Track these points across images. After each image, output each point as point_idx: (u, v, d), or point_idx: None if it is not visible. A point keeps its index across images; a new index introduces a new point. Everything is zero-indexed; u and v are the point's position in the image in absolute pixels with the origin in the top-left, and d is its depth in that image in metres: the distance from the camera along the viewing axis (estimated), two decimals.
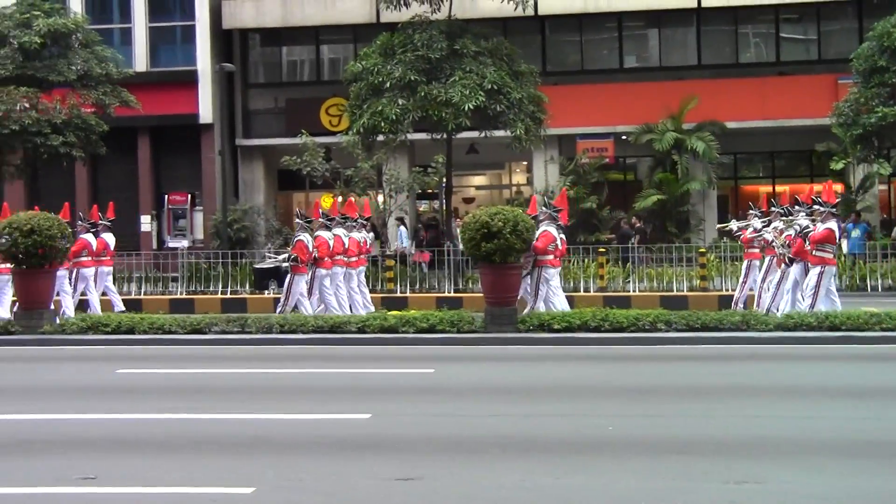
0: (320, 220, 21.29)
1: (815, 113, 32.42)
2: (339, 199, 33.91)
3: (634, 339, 16.91)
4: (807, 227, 18.68)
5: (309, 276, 20.55)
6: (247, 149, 37.80)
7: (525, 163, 38.07)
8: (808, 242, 18.42)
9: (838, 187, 30.01)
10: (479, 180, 40.58)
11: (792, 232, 19.04)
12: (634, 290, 25.13)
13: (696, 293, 24.03)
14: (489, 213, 17.79)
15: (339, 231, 21.17)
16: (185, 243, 34.49)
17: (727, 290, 24.38)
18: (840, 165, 33.29)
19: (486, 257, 17.67)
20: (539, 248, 19.03)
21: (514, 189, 39.78)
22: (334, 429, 10.57)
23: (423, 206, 39.77)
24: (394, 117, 26.59)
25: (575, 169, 35.29)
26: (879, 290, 25.65)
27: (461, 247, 22.17)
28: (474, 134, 29.30)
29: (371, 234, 24.77)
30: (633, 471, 8.66)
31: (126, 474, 8.82)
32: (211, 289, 26.83)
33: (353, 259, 21.49)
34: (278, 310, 20.42)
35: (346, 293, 21.19)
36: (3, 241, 18.57)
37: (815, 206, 18.83)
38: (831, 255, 18.45)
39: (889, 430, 10.02)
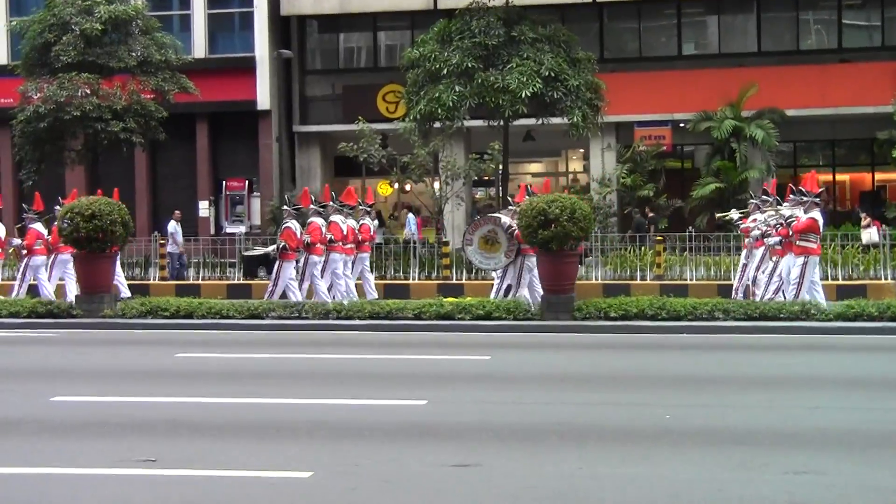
0: (312, 206, 21.47)
1: (876, 101, 32.03)
2: (396, 185, 34.06)
3: (692, 328, 16.83)
4: (791, 216, 18.69)
5: (302, 263, 20.85)
6: (304, 135, 37.92)
7: (582, 150, 37.89)
8: (791, 232, 18.52)
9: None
10: (535, 167, 40.44)
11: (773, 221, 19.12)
12: (692, 279, 24.96)
13: None
14: (546, 199, 17.76)
15: (337, 218, 21.38)
16: (242, 229, 34.66)
17: None
18: None
19: (542, 244, 17.64)
20: (521, 237, 19.22)
21: (571, 176, 39.63)
22: (391, 415, 10.61)
23: (480, 193, 39.71)
24: (450, 104, 26.55)
25: (632, 156, 35.06)
26: None
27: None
28: (531, 121, 29.19)
29: (375, 222, 24.96)
30: (691, 461, 8.62)
31: (185, 457, 8.91)
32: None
33: (350, 246, 21.65)
34: (265, 296, 20.64)
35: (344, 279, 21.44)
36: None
37: (793, 197, 18.89)
38: (815, 245, 18.45)
39: None
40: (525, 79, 26.12)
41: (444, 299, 19.53)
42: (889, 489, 7.77)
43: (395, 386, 12.24)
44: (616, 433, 9.63)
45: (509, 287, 20.16)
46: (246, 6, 36.88)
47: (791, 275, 18.48)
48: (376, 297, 21.84)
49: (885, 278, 23.76)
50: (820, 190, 19.51)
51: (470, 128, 31.13)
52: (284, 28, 37.74)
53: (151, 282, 26.05)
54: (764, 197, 20.81)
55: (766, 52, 35.80)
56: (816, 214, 18.52)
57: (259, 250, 22.89)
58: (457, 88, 26.61)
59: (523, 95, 26.06)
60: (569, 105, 27.14)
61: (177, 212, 30.63)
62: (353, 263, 22.04)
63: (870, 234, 27.52)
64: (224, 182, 36.93)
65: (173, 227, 28.79)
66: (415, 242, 27.99)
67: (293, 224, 20.85)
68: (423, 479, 8.21)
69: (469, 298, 19.56)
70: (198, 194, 36.60)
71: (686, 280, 24.88)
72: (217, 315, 18.50)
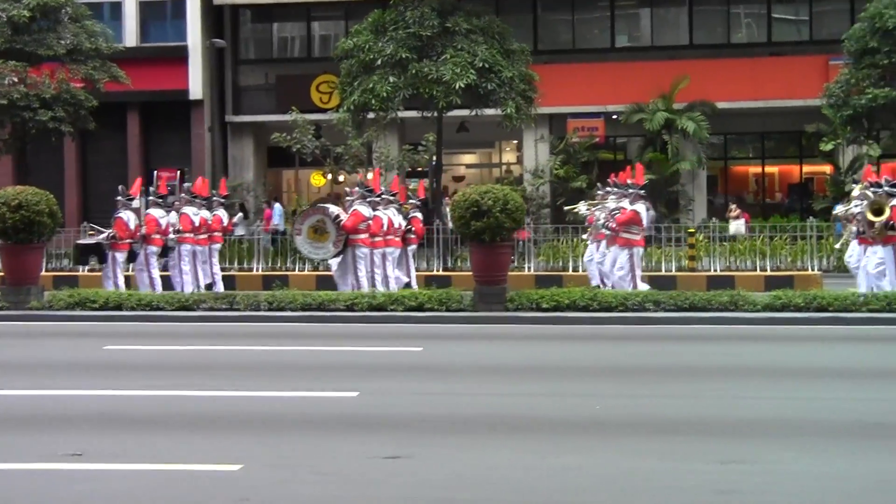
0: (151, 197, 21.55)
1: (805, 94, 32.44)
2: (329, 176, 33.92)
3: (623, 319, 16.93)
4: (615, 209, 19.07)
5: (143, 254, 21.10)
6: (237, 125, 37.70)
7: (515, 141, 38.03)
8: (615, 224, 19.23)
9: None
10: (469, 159, 40.52)
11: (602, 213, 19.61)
12: None
13: (685, 273, 24.01)
14: (479, 191, 17.79)
15: (189, 209, 21.60)
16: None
17: (716, 270, 24.40)
18: (830, 146, 33.33)
19: (475, 236, 17.67)
20: (348, 226, 19.72)
21: (504, 168, 39.74)
22: (322, 407, 10.58)
23: (413, 184, 39.66)
24: (384, 95, 26.54)
25: (565, 148, 35.27)
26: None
27: (451, 225, 22.22)
28: (465, 112, 29.24)
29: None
30: (621, 450, 8.67)
31: (113, 451, 8.80)
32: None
33: (203, 237, 21.86)
34: (105, 284, 20.80)
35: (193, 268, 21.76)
36: None
37: (618, 189, 19.38)
38: (638, 237, 18.96)
39: (877, 411, 10.04)
40: (459, 70, 26.16)
41: (377, 290, 19.49)
42: (813, 475, 7.87)
43: (326, 378, 12.19)
44: (547, 424, 9.66)
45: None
46: None
47: (616, 266, 19.19)
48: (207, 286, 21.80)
49: (812, 269, 24.08)
50: (644, 182, 19.84)
51: (404, 119, 31.10)
52: (217, 17, 37.48)
53: (81, 273, 25.69)
54: (608, 189, 21.10)
55: (698, 45, 36.15)
56: (640, 206, 19.05)
57: (91, 239, 22.81)
58: (391, 79, 26.59)
59: (457, 87, 26.10)
60: (502, 96, 27.23)
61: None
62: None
63: (737, 226, 27.96)
64: (155, 172, 36.53)
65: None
66: (282, 233, 27.82)
67: (125, 214, 21.01)
68: (354, 471, 8.18)
69: (403, 290, 19.52)
70: (129, 184, 36.17)
71: None
72: (147, 307, 18.31)
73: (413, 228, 22.33)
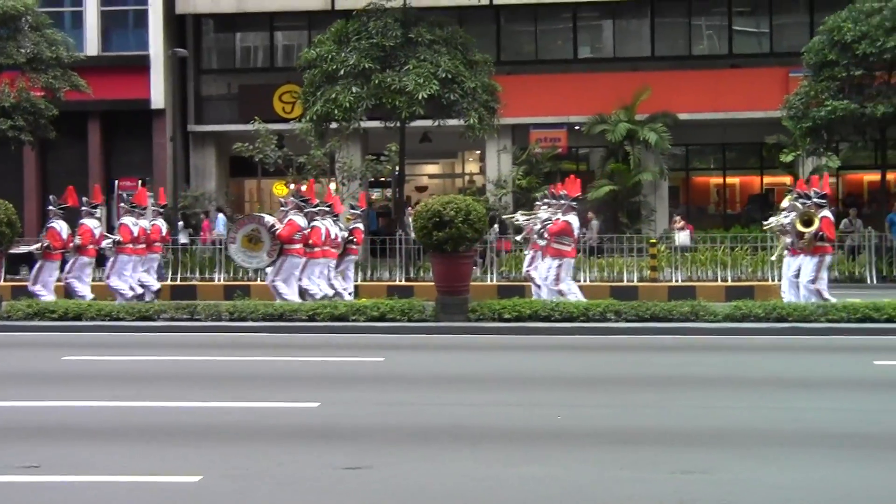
0: (84, 207, 21.69)
1: (766, 105, 32.63)
2: (291, 186, 33.80)
3: (584, 329, 16.97)
4: (547, 219, 19.27)
5: (71, 263, 21.15)
6: (199, 135, 37.55)
7: (478, 152, 38.07)
8: (547, 234, 19.44)
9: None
10: (432, 169, 40.56)
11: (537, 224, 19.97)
12: (585, 280, 25.18)
13: (647, 283, 24.13)
14: (441, 201, 17.79)
15: (128, 220, 21.64)
16: None
17: (677, 280, 24.51)
18: (790, 158, 33.53)
19: (437, 246, 17.66)
20: (283, 236, 19.86)
21: (467, 178, 39.77)
22: (283, 417, 10.53)
23: (376, 194, 39.71)
24: (347, 105, 26.48)
25: (528, 158, 35.33)
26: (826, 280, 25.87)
27: (413, 235, 22.22)
28: (428, 122, 29.22)
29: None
30: (583, 460, 8.68)
31: (71, 462, 8.72)
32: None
33: (141, 246, 21.81)
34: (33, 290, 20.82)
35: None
36: None
37: (553, 200, 19.84)
38: (569, 248, 19.13)
39: (835, 420, 10.11)
40: (422, 80, 26.13)
41: (339, 301, 19.45)
42: (775, 485, 7.90)
43: (287, 388, 12.14)
44: (509, 434, 9.65)
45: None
46: (140, 4, 36.42)
47: (547, 278, 19.32)
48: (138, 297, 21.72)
49: (773, 279, 24.21)
50: (578, 195, 20.09)
51: (367, 129, 31.05)
52: (180, 26, 37.34)
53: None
54: (546, 199, 21.21)
55: (660, 57, 36.32)
56: (571, 218, 19.24)
57: (23, 248, 22.74)
58: (354, 89, 26.54)
59: (420, 97, 26.07)
60: (465, 107, 27.22)
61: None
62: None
63: (683, 237, 28.15)
64: (116, 182, 36.36)
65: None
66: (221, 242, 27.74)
67: (58, 224, 21.03)
68: (315, 482, 8.15)
69: (364, 300, 19.50)
70: (90, 194, 35.95)
71: (580, 281, 25.07)
72: (106, 317, 18.18)
73: (355, 239, 22.37)
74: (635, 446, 9.10)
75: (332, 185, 31.46)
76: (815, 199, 19.08)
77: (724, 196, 38.06)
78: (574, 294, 19.31)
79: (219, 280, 25.59)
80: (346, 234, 22.04)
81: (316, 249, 20.50)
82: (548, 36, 37.55)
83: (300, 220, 20.19)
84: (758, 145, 36.16)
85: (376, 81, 26.47)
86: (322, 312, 17.84)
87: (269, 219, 20.67)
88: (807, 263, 18.93)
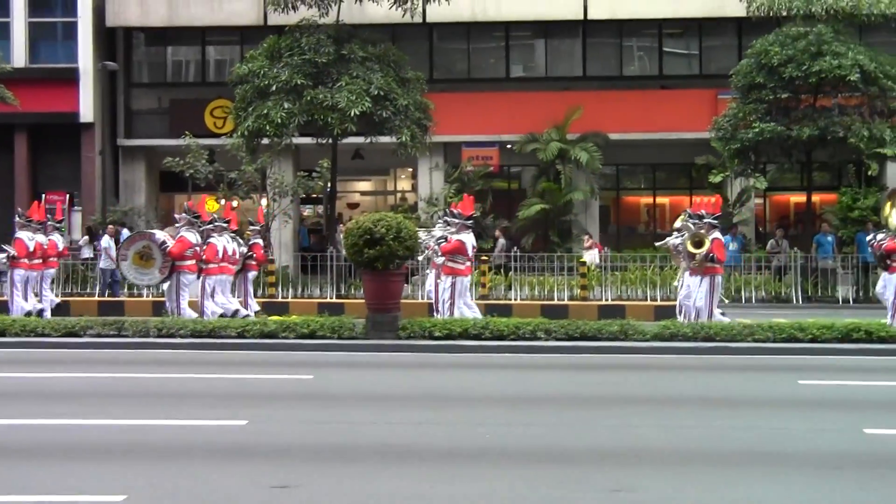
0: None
1: (695, 127, 32.94)
2: (222, 201, 33.57)
3: (515, 348, 17.02)
4: (441, 237, 19.49)
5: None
6: (128, 149, 37.18)
7: (410, 169, 38.08)
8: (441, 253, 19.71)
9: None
10: (364, 186, 40.50)
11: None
12: (516, 299, 25.30)
13: (577, 302, 24.26)
14: (372, 219, 17.78)
15: (24, 234, 21.68)
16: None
17: (607, 299, 24.68)
18: (718, 179, 33.91)
19: (368, 263, 17.64)
20: (174, 253, 19.79)
21: (399, 195, 39.78)
22: (210, 435, 10.44)
23: (308, 210, 39.57)
24: (279, 121, 26.44)
25: (459, 176, 35.39)
26: (754, 301, 26.25)
27: (344, 252, 22.18)
28: (360, 139, 29.25)
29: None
30: (512, 479, 8.69)
31: None
32: (88, 291, 26.35)
33: (37, 261, 21.82)
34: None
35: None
36: None
37: (450, 218, 20.06)
38: (463, 266, 19.33)
39: (760, 439, 10.22)
40: (354, 97, 26.17)
41: (269, 317, 19.34)
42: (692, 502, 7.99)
43: (215, 406, 12.05)
44: (437, 452, 9.66)
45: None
46: (69, 16, 35.97)
47: (444, 294, 19.53)
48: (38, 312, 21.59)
49: None
50: (471, 213, 20.29)
51: (299, 145, 31.03)
52: (110, 39, 36.95)
53: None
54: (445, 217, 21.37)
55: (592, 77, 36.58)
56: (465, 237, 19.34)
57: None
58: (286, 105, 26.51)
59: (352, 114, 26.10)
60: (398, 124, 27.30)
61: (110, 227, 29.72)
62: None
63: (591, 256, 28.46)
64: (43, 195, 35.90)
65: (107, 241, 27.62)
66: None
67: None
68: (241, 501, 8.10)
69: (294, 317, 19.41)
70: (16, 207, 35.51)
71: (510, 300, 25.20)
72: (31, 333, 17.96)
73: (254, 255, 22.31)
74: (563, 465, 9.15)
75: (264, 202, 31.39)
76: (708, 220, 19.30)
77: (653, 216, 38.40)
78: (473, 311, 19.49)
79: (147, 296, 25.35)
80: (244, 249, 21.92)
81: (212, 266, 20.40)
82: (480, 54, 37.71)
83: (191, 237, 20.11)
84: (687, 166, 36.51)
85: (308, 98, 26.45)
86: (251, 329, 17.75)
87: (160, 235, 20.55)
88: (698, 284, 19.13)
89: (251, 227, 23.53)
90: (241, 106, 27.61)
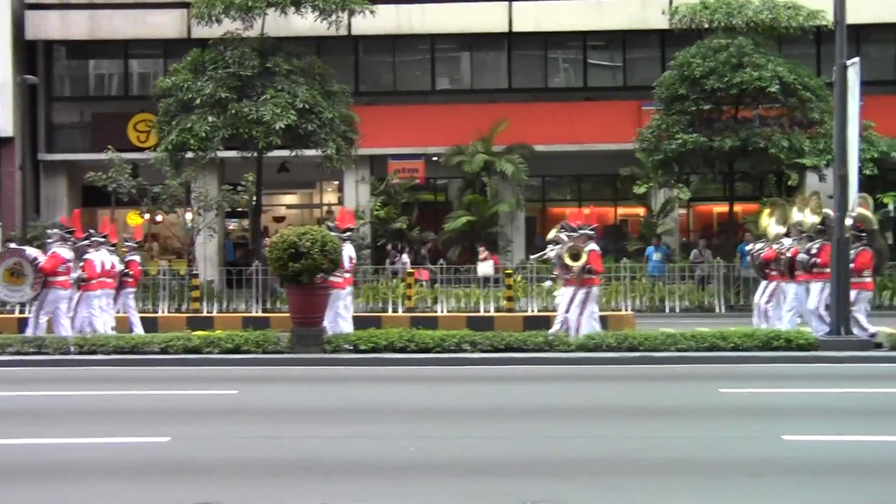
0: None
1: (620, 138, 33.26)
2: (146, 216, 33.30)
3: (440, 360, 17.02)
4: None
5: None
6: (49, 164, 36.75)
7: (336, 182, 38.02)
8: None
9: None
10: (289, 199, 40.37)
11: None
12: (442, 311, 25.33)
13: (502, 314, 24.35)
14: (297, 232, 17.72)
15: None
16: None
17: (533, 310, 24.78)
18: (643, 189, 34.26)
19: (293, 277, 17.57)
20: (46, 269, 19.41)
21: (325, 208, 39.68)
22: (132, 453, 10.32)
23: (233, 224, 39.34)
24: (203, 135, 26.32)
25: (386, 189, 35.43)
26: (677, 310, 26.52)
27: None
28: (285, 153, 29.17)
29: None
30: (436, 492, 8.69)
31: None
32: (8, 308, 25.96)
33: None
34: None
35: None
36: None
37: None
38: (340, 279, 19.44)
39: (681, 448, 10.31)
40: (279, 110, 26.12)
41: (193, 333, 19.18)
42: None
43: (137, 423, 11.92)
44: (362, 467, 9.63)
45: None
46: None
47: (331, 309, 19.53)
48: None
49: (626, 309, 24.69)
50: (349, 226, 20.64)
51: (223, 159, 30.90)
52: (30, 52, 36.55)
53: None
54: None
55: (517, 89, 36.81)
56: (344, 249, 19.43)
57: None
58: (210, 119, 26.40)
59: (277, 127, 26.05)
60: (323, 137, 27.29)
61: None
62: None
63: (484, 268, 28.70)
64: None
65: None
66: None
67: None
68: None
69: (218, 332, 19.27)
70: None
71: (436, 312, 25.22)
72: None
73: (131, 272, 22.12)
74: (488, 477, 9.16)
75: (189, 216, 31.17)
76: (585, 232, 19.48)
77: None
78: (347, 323, 19.63)
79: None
80: (122, 267, 21.69)
81: (92, 282, 20.17)
82: (406, 67, 37.78)
83: (64, 253, 19.81)
84: (612, 177, 36.84)
85: (233, 111, 26.36)
86: (175, 345, 17.59)
87: (31, 252, 20.22)
88: (574, 295, 19.20)
89: (126, 244, 23.18)
90: (164, 120, 27.43)
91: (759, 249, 21.34)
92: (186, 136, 26.46)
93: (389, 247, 32.79)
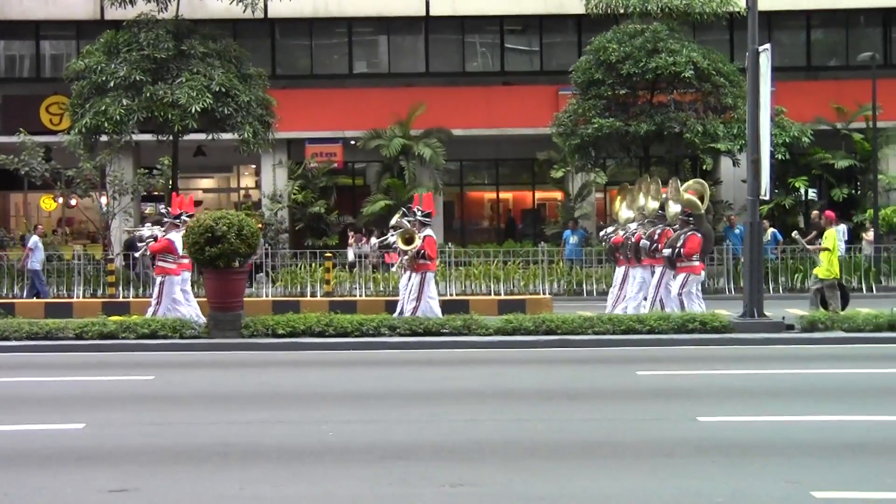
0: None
1: (537, 122, 33.38)
2: (60, 200, 32.83)
3: (359, 344, 17.05)
4: (151, 236, 19.90)
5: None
6: None
7: (254, 166, 37.79)
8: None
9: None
10: (206, 183, 40.02)
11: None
12: (361, 295, 25.31)
13: None
14: (213, 217, 17.60)
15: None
16: None
17: (451, 294, 24.84)
18: (560, 174, 34.48)
19: (210, 262, 17.46)
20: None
21: (243, 192, 39.43)
22: (46, 440, 10.20)
23: (149, 208, 38.89)
24: (118, 118, 25.99)
25: (303, 173, 35.28)
26: (595, 294, 26.69)
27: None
28: (202, 136, 28.90)
29: None
30: (353, 476, 8.70)
31: None
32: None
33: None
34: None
35: None
36: None
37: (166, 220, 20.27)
38: (173, 266, 19.61)
39: (596, 430, 10.44)
40: (195, 93, 25.87)
41: (109, 318, 18.95)
42: (538, 496, 8.10)
43: (51, 410, 11.78)
44: (279, 452, 9.60)
45: None
46: None
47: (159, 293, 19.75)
48: None
49: (544, 293, 24.85)
50: (180, 212, 20.40)
51: (139, 142, 30.51)
52: None
53: None
54: (164, 217, 21.56)
55: (434, 73, 36.82)
56: (174, 235, 19.57)
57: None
58: (124, 102, 26.07)
59: (193, 110, 25.80)
60: (239, 121, 27.08)
61: (39, 227, 28.67)
62: None
63: (353, 253, 28.82)
64: None
65: (34, 241, 26.49)
66: None
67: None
68: None
69: (135, 317, 19.07)
70: None
71: (355, 296, 25.19)
72: None
73: None
74: (405, 461, 9.19)
75: (104, 199, 30.77)
76: (420, 217, 19.75)
77: (497, 210, 38.84)
78: (188, 310, 19.61)
79: None
80: None
81: None
82: (323, 50, 37.61)
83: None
84: (530, 161, 37.04)
85: (148, 94, 26.06)
86: (90, 330, 17.40)
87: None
88: (413, 280, 19.73)
89: None
90: (77, 102, 27.03)
91: (610, 234, 21.76)
92: (100, 119, 26.09)
93: (354, 232, 32.49)
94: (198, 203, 38.25)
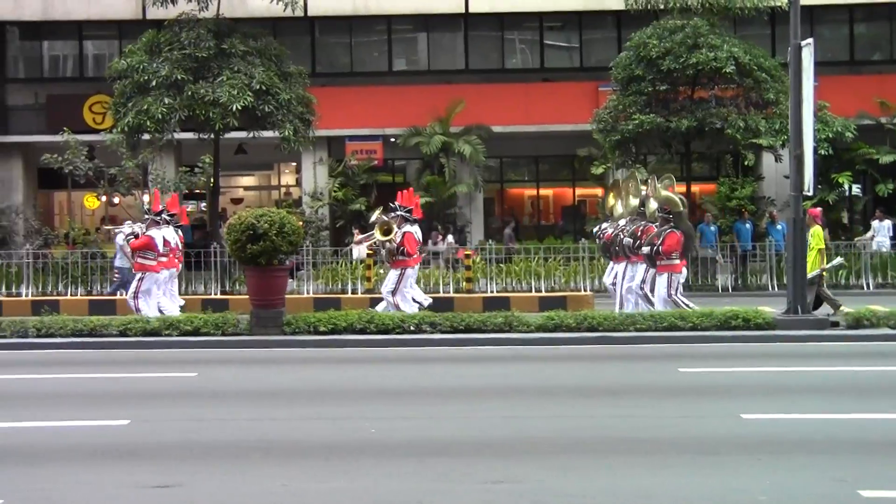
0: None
1: (577, 119, 33.25)
2: (103, 198, 33.06)
3: (400, 341, 17.05)
4: (131, 233, 19.96)
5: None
6: (4, 146, 36.36)
7: (294, 164, 37.92)
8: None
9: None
10: (247, 181, 40.20)
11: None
12: None
13: (462, 295, 24.33)
14: (255, 214, 17.66)
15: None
16: None
17: (492, 291, 24.83)
18: (600, 170, 34.38)
19: (251, 259, 17.52)
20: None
21: (284, 190, 39.57)
22: (91, 436, 10.28)
23: (191, 206, 39.11)
24: (159, 116, 26.13)
25: (343, 171, 35.36)
26: None
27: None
28: (242, 134, 29.02)
29: None
30: (394, 473, 8.71)
31: None
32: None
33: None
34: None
35: None
36: None
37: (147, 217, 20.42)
38: (154, 263, 19.69)
39: (641, 427, 10.39)
40: (236, 92, 25.96)
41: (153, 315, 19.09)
42: (579, 494, 8.07)
43: (96, 406, 11.87)
44: (321, 448, 9.63)
45: None
46: None
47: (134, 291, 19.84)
48: None
49: (585, 290, 24.77)
50: (161, 209, 20.57)
51: (180, 140, 30.69)
52: None
53: None
54: (146, 216, 21.61)
55: (474, 70, 36.78)
56: (154, 232, 19.77)
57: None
58: (166, 100, 26.20)
59: (234, 108, 25.90)
60: (280, 119, 27.17)
61: (128, 222, 28.92)
62: None
63: (359, 251, 28.67)
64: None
65: (122, 239, 26.76)
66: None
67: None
68: (121, 502, 7.99)
69: (178, 314, 19.19)
70: None
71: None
72: None
73: None
74: (447, 458, 9.19)
75: (146, 198, 30.94)
76: (401, 213, 19.94)
77: (537, 207, 38.76)
78: (167, 310, 19.79)
79: (26, 295, 24.87)
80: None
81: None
82: (363, 48, 37.67)
83: None
84: (570, 157, 36.94)
85: (189, 92, 26.18)
86: (134, 327, 17.50)
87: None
88: (390, 276, 20.16)
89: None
90: (120, 101, 27.20)
91: (604, 230, 21.75)
92: (142, 118, 26.25)
93: (438, 230, 32.63)
94: (238, 200, 38.57)
